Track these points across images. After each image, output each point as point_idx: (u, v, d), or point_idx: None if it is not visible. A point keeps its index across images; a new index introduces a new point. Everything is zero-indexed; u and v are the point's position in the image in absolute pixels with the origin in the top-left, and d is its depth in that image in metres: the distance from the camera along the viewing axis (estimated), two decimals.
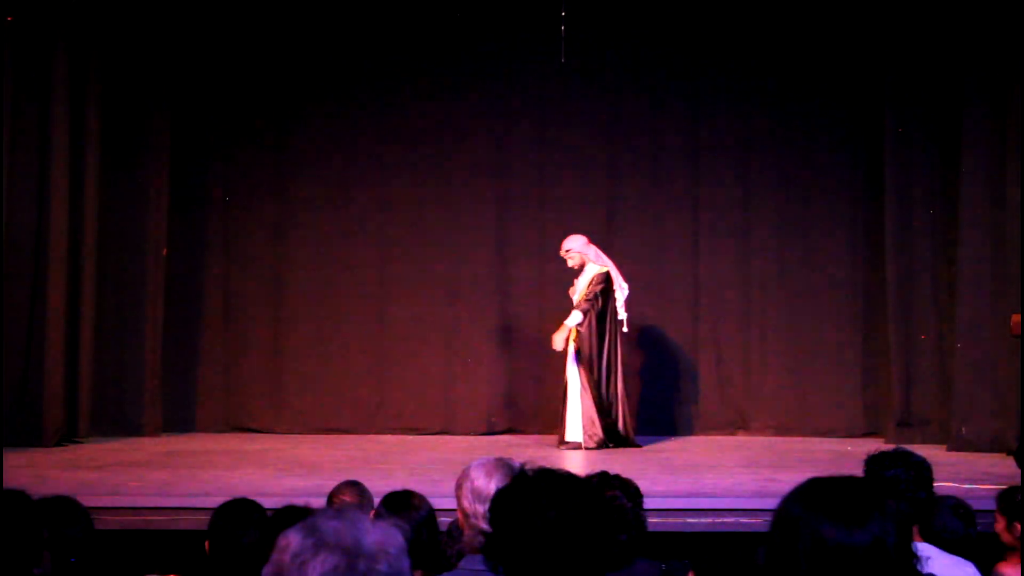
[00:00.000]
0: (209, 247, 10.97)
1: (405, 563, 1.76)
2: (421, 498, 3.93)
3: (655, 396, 10.69)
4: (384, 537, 1.75)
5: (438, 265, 10.88)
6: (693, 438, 10.44)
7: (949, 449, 9.30)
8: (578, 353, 9.35)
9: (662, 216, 10.92)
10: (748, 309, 10.85)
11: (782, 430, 10.59)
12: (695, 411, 10.81)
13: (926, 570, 2.44)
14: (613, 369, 9.39)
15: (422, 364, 10.84)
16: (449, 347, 10.88)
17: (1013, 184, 9.22)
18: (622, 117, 10.95)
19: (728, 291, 10.86)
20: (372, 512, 3.91)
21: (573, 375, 9.36)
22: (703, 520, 6.06)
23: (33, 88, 9.29)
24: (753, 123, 10.88)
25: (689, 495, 6.75)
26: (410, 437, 10.38)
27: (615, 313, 9.42)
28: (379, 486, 4.47)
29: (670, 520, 5.84)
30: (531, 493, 2.32)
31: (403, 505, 3.85)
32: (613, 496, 3.79)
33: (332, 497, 4.26)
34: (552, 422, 9.87)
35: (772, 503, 2.04)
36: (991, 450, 9.00)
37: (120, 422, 10.14)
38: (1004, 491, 4.42)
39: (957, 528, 3.98)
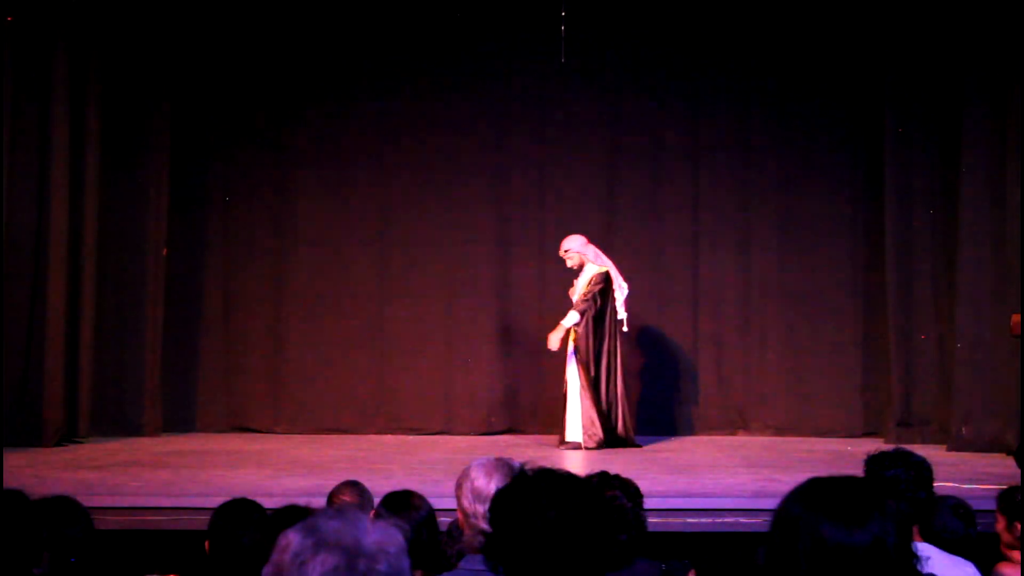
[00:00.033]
0: (209, 247, 10.97)
1: (405, 563, 1.76)
2: (421, 498, 3.94)
3: (655, 396, 10.69)
4: (384, 537, 1.75)
5: (438, 265, 10.88)
6: (693, 438, 10.44)
7: (949, 449, 9.30)
8: (576, 353, 9.35)
9: (662, 216, 10.92)
10: (748, 309, 10.85)
11: (782, 430, 10.59)
12: (695, 411, 10.81)
13: (926, 570, 2.44)
14: (613, 369, 9.38)
15: (422, 364, 10.84)
16: (449, 347, 10.88)
17: (1013, 184, 9.22)
18: (622, 117, 10.95)
19: (728, 291, 10.86)
20: (372, 512, 3.91)
21: (573, 375, 9.36)
22: (703, 520, 6.05)
23: (33, 88, 9.29)
24: (753, 123, 10.88)
25: (689, 495, 6.74)
26: (410, 437, 10.39)
27: (614, 313, 9.42)
28: (379, 486, 4.47)
29: (670, 520, 5.84)
30: (531, 493, 2.32)
31: (403, 505, 3.85)
32: (613, 496, 3.79)
33: (332, 497, 4.26)
34: (552, 422, 9.87)
35: (772, 503, 2.04)
36: (991, 450, 9.00)
37: (120, 422, 10.14)
38: (1004, 491, 4.42)
39: (957, 528, 3.98)
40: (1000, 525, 4.29)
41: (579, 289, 9.50)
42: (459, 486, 3.11)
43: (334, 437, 10.29)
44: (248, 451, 9.19)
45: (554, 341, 9.40)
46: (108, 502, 6.12)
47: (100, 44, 9.88)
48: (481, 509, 2.95)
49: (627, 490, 3.98)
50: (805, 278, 10.77)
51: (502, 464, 3.09)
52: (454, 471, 3.33)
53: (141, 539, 5.64)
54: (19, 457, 8.14)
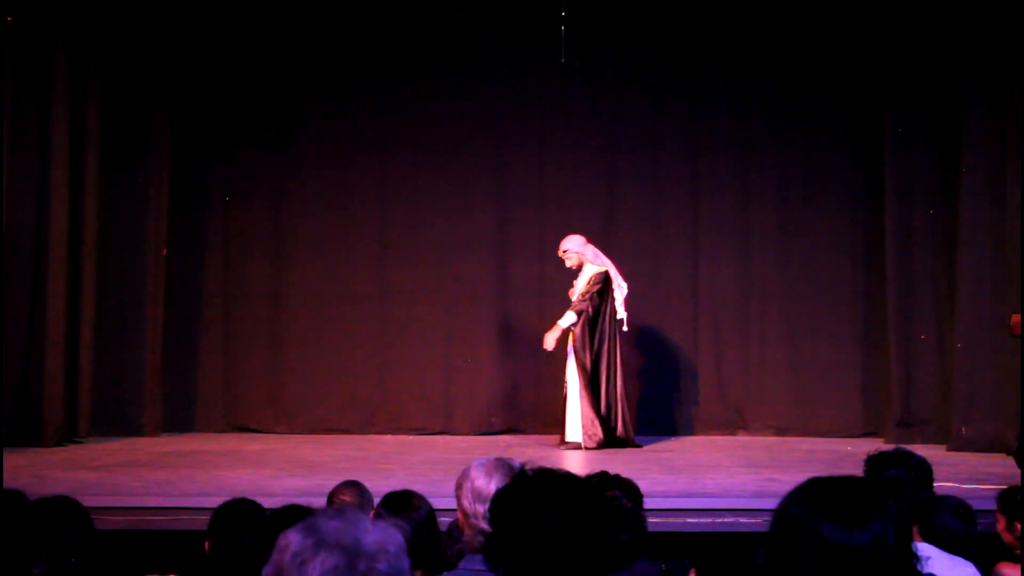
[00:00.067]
0: (209, 247, 10.97)
1: (405, 562, 1.76)
2: (421, 498, 3.93)
3: (655, 396, 10.70)
4: (384, 536, 1.75)
5: (438, 265, 10.88)
6: (693, 438, 10.44)
7: (949, 449, 9.30)
8: (575, 353, 9.35)
9: (662, 216, 10.92)
10: (748, 309, 10.85)
11: (782, 430, 10.60)
12: (695, 411, 10.81)
13: (926, 570, 2.44)
14: (613, 369, 9.38)
15: (422, 364, 10.85)
16: (449, 347, 10.88)
17: (1013, 184, 9.22)
18: (622, 117, 10.95)
19: (728, 291, 10.86)
20: (372, 512, 3.91)
21: (573, 376, 9.36)
22: (703, 520, 6.05)
23: (33, 88, 9.29)
24: (753, 123, 10.88)
25: (689, 495, 6.74)
26: (410, 437, 10.39)
27: (614, 313, 9.41)
28: (379, 486, 4.47)
29: (670, 520, 5.83)
30: (531, 493, 2.32)
31: (403, 505, 3.85)
32: (613, 496, 3.78)
33: (332, 497, 4.26)
34: (552, 422, 9.87)
35: (772, 503, 2.04)
36: (991, 450, 9.00)
37: (120, 422, 10.14)
38: (1004, 491, 4.42)
39: (957, 528, 3.98)
40: (1000, 525, 4.29)
41: (578, 289, 9.50)
42: (459, 486, 3.10)
43: (334, 437, 10.29)
44: (248, 451, 9.19)
45: (549, 341, 9.40)
46: (108, 502, 6.11)
47: (100, 44, 9.88)
48: (481, 509, 2.95)
49: (627, 490, 3.98)
50: (805, 278, 10.77)
51: (502, 464, 3.08)
52: (454, 471, 3.33)
53: (141, 539, 5.63)
54: (19, 457, 8.14)
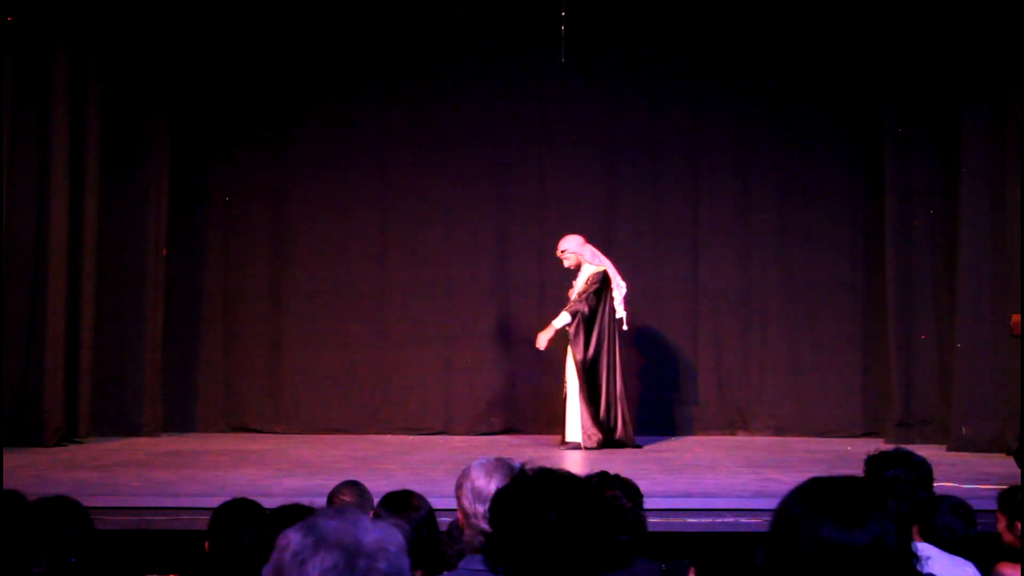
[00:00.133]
0: (209, 247, 10.97)
1: (405, 562, 1.76)
2: (421, 498, 3.93)
3: (655, 396, 10.69)
4: (384, 536, 1.75)
5: (438, 265, 10.88)
6: (693, 438, 10.44)
7: (949, 449, 9.30)
8: (574, 353, 9.33)
9: (662, 216, 10.92)
10: (748, 309, 10.85)
11: (782, 430, 10.59)
12: (695, 411, 10.81)
13: (926, 570, 2.44)
14: (612, 369, 9.37)
15: (422, 364, 10.84)
16: (449, 347, 10.87)
17: (1013, 184, 9.22)
18: (622, 117, 10.95)
19: (728, 291, 10.86)
20: (371, 512, 3.91)
21: (573, 376, 9.35)
22: (703, 520, 6.05)
23: (33, 88, 9.29)
24: (753, 123, 10.88)
25: (689, 495, 6.74)
26: (410, 437, 10.38)
27: (612, 312, 9.41)
28: (379, 486, 4.47)
29: (670, 520, 5.84)
30: (531, 493, 2.32)
31: (403, 505, 3.85)
32: (613, 496, 3.79)
33: (332, 497, 4.26)
34: (552, 422, 9.87)
35: (772, 503, 2.04)
36: (991, 450, 9.00)
37: (120, 422, 10.14)
38: (1004, 491, 4.42)
39: (957, 528, 3.98)
40: (1001, 525, 4.29)
41: (577, 289, 9.49)
42: (459, 486, 3.10)
43: (334, 437, 10.28)
44: (248, 451, 9.19)
45: (542, 340, 9.40)
46: (108, 502, 6.12)
47: (100, 44, 9.88)
48: (481, 509, 2.95)
49: (627, 490, 3.98)
50: (805, 278, 10.77)
51: (502, 464, 3.08)
52: (454, 471, 3.33)
53: (141, 539, 5.64)
54: (19, 457, 8.14)
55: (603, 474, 4.12)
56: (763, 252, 10.83)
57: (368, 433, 10.54)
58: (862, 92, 10.59)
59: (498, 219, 10.94)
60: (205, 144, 10.93)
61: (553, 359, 9.68)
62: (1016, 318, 8.14)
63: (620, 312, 9.42)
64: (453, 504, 3.16)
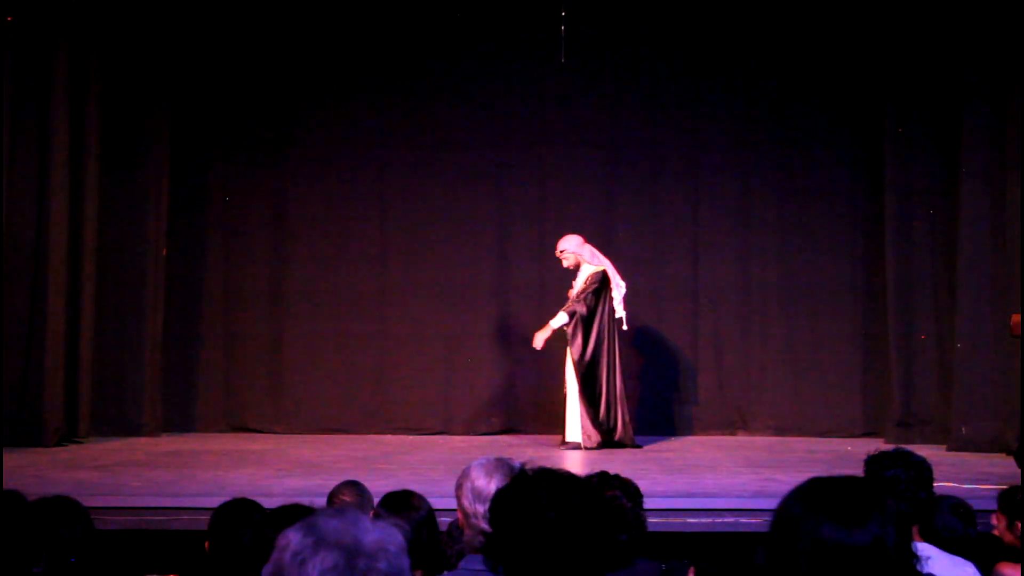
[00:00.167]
0: (209, 247, 10.97)
1: (405, 562, 1.76)
2: (421, 498, 3.93)
3: (655, 396, 10.69)
4: (384, 536, 1.75)
5: (438, 265, 10.88)
6: (693, 438, 10.44)
7: (949, 449, 9.30)
8: (572, 353, 9.33)
9: (662, 216, 10.92)
10: (748, 309, 10.85)
11: (782, 430, 10.59)
12: (695, 411, 10.81)
13: (926, 570, 2.44)
14: (612, 369, 9.37)
15: (422, 364, 10.84)
16: (449, 347, 10.88)
17: (1013, 184, 9.22)
18: (622, 117, 10.95)
19: (728, 291, 10.86)
20: (371, 512, 3.91)
21: (572, 376, 9.35)
22: (703, 520, 6.05)
23: (33, 88, 9.29)
24: (753, 123, 10.88)
25: (689, 495, 6.74)
26: (410, 437, 10.39)
27: (612, 312, 9.41)
28: (379, 486, 4.47)
29: (670, 520, 5.84)
30: (531, 493, 2.32)
31: (403, 505, 3.85)
32: (613, 496, 3.79)
33: (332, 497, 4.26)
34: (552, 422, 9.87)
35: (772, 503, 2.04)
36: (991, 450, 9.00)
37: (120, 422, 10.14)
38: (1005, 491, 4.42)
39: (957, 528, 3.97)
40: (1001, 525, 4.29)
41: (576, 289, 9.49)
42: (459, 486, 3.10)
43: (334, 437, 10.28)
44: (248, 451, 9.19)
45: (539, 340, 9.40)
46: (108, 502, 6.12)
47: (100, 44, 9.88)
48: (481, 509, 2.95)
49: (627, 490, 3.98)
50: (805, 278, 10.77)
51: (502, 464, 3.08)
52: (454, 471, 3.33)
53: (141, 539, 5.64)
54: (19, 457, 8.14)
55: (603, 474, 4.12)
56: (763, 252, 10.83)
57: (368, 433, 10.54)
58: (862, 92, 10.59)
59: (498, 219, 10.94)
60: (205, 144, 10.93)
61: (553, 359, 9.68)
62: (1016, 318, 8.14)
63: (620, 312, 9.42)
64: (453, 504, 3.16)
